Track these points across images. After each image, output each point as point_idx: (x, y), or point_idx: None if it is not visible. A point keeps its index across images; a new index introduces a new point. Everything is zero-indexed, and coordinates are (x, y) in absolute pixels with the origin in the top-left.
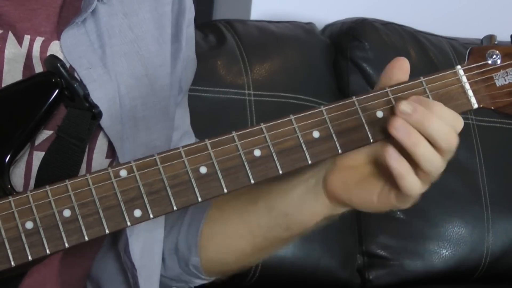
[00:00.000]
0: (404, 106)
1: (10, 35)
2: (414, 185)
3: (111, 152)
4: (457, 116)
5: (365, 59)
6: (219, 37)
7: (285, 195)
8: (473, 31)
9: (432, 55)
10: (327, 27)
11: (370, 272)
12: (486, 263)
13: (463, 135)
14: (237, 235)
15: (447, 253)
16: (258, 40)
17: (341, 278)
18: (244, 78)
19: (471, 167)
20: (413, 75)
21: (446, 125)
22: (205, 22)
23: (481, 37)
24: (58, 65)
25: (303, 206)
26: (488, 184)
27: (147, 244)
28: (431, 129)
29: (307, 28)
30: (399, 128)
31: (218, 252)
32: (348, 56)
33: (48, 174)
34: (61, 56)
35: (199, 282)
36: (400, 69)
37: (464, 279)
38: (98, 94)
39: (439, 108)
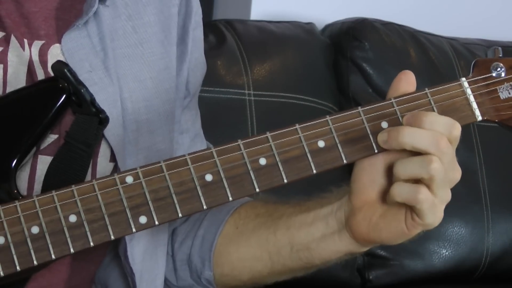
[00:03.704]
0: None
1: (13, 38)
2: (427, 199)
3: (115, 155)
4: (439, 120)
5: (365, 59)
6: (219, 37)
7: (306, 230)
8: (473, 31)
9: (432, 55)
10: (327, 27)
11: (370, 272)
12: (486, 263)
13: (463, 135)
14: (255, 258)
15: (447, 253)
16: (258, 40)
17: (341, 278)
18: (244, 78)
19: (471, 167)
20: (414, 75)
21: (425, 131)
22: (205, 22)
23: (481, 37)
24: (65, 70)
25: (326, 245)
26: (488, 184)
27: (149, 248)
28: (406, 141)
29: (307, 28)
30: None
31: (233, 270)
32: (348, 56)
33: (55, 179)
34: (62, 59)
35: None
36: (406, 81)
37: (464, 279)
38: (99, 97)
39: (414, 119)
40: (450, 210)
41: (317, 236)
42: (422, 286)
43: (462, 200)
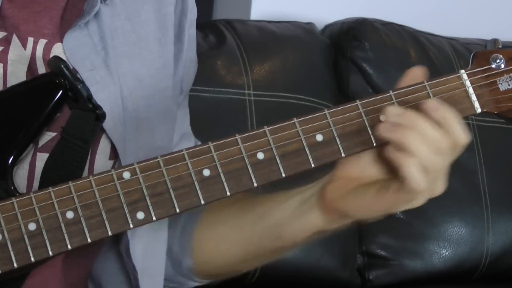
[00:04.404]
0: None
1: (15, 37)
2: (417, 172)
3: (114, 153)
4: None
5: (365, 59)
6: (219, 37)
7: (280, 205)
8: (473, 31)
9: (432, 55)
10: (327, 27)
11: (370, 272)
12: (486, 263)
13: None
14: (230, 240)
15: (447, 253)
16: (258, 40)
17: (341, 278)
18: (244, 78)
19: (471, 167)
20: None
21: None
22: (205, 22)
23: (481, 37)
24: (62, 66)
25: (296, 218)
26: (488, 184)
27: (150, 245)
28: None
29: (307, 28)
30: (384, 128)
31: (211, 255)
32: (348, 56)
33: (52, 175)
34: (63, 58)
35: (192, 284)
36: (411, 76)
37: (464, 279)
38: (101, 96)
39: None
40: (450, 210)
41: (289, 209)
42: (422, 286)
43: (462, 200)
